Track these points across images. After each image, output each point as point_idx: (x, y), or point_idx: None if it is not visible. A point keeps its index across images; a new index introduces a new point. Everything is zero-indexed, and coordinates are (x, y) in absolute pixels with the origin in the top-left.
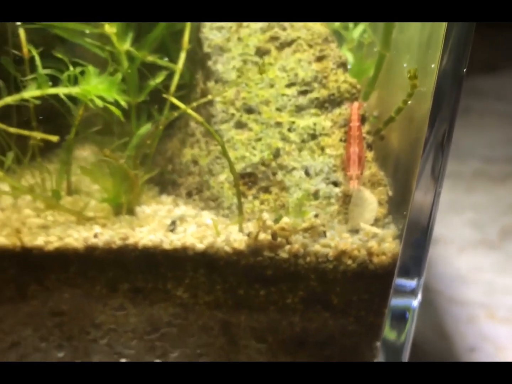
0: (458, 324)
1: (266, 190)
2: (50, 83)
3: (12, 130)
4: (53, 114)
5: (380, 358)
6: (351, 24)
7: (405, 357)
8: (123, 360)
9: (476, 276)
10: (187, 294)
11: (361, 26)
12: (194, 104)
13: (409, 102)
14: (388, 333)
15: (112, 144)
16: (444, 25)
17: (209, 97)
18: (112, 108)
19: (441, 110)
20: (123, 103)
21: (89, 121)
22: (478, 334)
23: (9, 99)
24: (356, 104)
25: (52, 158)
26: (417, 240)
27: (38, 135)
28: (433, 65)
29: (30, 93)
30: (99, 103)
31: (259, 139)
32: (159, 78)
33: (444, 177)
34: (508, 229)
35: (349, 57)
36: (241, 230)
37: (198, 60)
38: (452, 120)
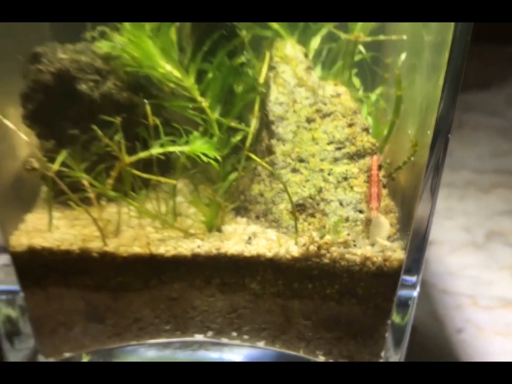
0: (448, 310)
1: (312, 215)
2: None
3: (145, 175)
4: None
5: (389, 334)
6: (370, 94)
7: (407, 335)
8: (210, 332)
9: (464, 271)
10: (259, 287)
11: (374, 96)
12: (267, 159)
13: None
14: (395, 316)
15: (204, 181)
16: (437, 97)
17: (277, 155)
18: (213, 162)
19: (434, 159)
20: (218, 158)
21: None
22: (463, 319)
23: (142, 155)
24: (375, 157)
25: (157, 188)
26: (417, 247)
27: (161, 179)
28: (428, 132)
29: (156, 150)
30: (204, 159)
31: (308, 180)
32: (238, 137)
33: (437, 197)
34: (492, 232)
35: (370, 121)
36: (296, 243)
37: (264, 123)
38: (441, 166)
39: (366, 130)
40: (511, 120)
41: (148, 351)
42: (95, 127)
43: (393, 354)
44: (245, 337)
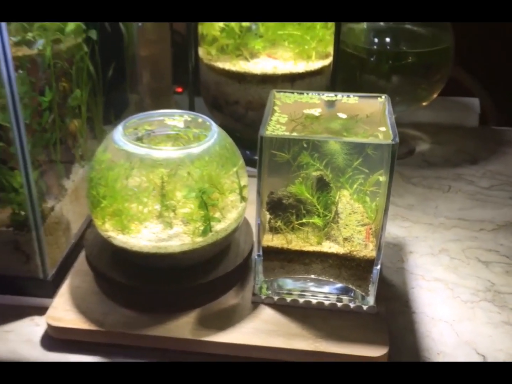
0: (409, 280)
1: (349, 241)
2: None
3: (300, 227)
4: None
5: (371, 280)
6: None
7: (377, 282)
8: (316, 275)
9: (422, 265)
10: (331, 261)
11: (372, 205)
12: (336, 224)
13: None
14: (372, 275)
15: (315, 229)
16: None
17: (339, 223)
18: (319, 225)
19: (382, 230)
20: (321, 223)
21: None
22: (415, 284)
23: (300, 221)
24: (368, 226)
25: (304, 230)
26: (378, 253)
27: (304, 229)
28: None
29: (303, 220)
30: (317, 224)
31: (348, 231)
32: (327, 217)
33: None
34: (442, 249)
35: (370, 214)
36: (343, 249)
37: (336, 213)
38: (383, 231)
39: (367, 218)
40: (480, 188)
41: (291, 282)
42: (287, 213)
43: (373, 287)
44: (327, 277)
